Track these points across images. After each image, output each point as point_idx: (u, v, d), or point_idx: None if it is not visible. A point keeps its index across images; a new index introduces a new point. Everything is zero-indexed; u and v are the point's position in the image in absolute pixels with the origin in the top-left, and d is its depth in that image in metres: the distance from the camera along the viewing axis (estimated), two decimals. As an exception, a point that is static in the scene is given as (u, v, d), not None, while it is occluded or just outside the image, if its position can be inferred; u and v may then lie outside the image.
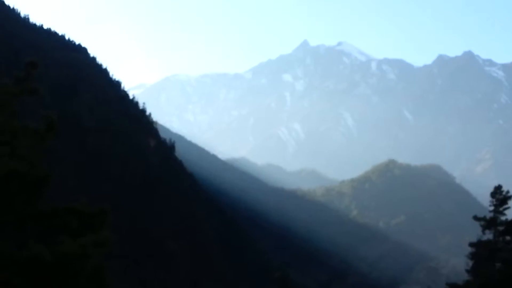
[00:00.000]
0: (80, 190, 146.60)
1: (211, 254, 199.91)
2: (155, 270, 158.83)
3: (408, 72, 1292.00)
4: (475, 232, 65.47)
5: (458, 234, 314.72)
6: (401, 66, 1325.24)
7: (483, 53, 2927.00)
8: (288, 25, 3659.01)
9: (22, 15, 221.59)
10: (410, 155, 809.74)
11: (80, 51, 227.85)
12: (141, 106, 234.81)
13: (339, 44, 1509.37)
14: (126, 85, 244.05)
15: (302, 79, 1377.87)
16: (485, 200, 67.64)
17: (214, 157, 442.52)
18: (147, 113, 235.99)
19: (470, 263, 65.12)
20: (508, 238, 63.36)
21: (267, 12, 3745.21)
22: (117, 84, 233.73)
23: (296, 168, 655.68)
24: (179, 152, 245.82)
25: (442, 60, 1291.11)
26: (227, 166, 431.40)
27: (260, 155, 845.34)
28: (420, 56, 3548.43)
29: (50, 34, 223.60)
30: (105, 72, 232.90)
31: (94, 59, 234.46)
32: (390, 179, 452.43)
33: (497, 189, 65.44)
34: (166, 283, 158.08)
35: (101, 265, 21.99)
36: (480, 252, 63.62)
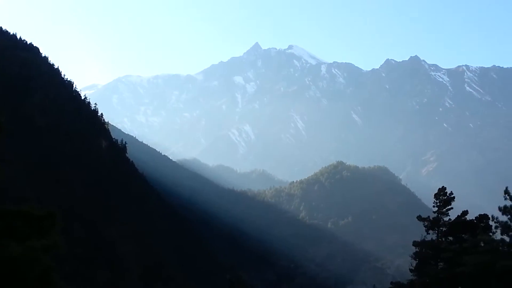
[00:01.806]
0: (31, 190, 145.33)
1: (162, 255, 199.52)
2: (106, 272, 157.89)
3: (356, 76, 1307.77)
4: (419, 232, 67.45)
5: (403, 234, 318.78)
6: (350, 70, 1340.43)
7: (429, 59, 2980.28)
8: (239, 28, 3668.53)
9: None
10: (358, 157, 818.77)
11: (32, 50, 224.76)
12: (93, 106, 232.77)
13: (290, 47, 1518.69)
14: (78, 86, 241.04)
15: (253, 82, 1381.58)
16: (430, 201, 69.56)
17: (165, 158, 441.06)
18: (99, 113, 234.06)
19: (414, 262, 67.11)
20: (450, 238, 65.53)
21: (219, 15, 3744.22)
22: (69, 84, 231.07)
23: (247, 169, 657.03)
24: (131, 153, 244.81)
25: (389, 65, 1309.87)
26: (178, 167, 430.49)
27: (211, 156, 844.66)
28: (369, 61, 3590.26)
29: (1, 33, 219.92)
30: (57, 72, 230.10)
31: (46, 59, 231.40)
32: (338, 181, 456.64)
33: (441, 191, 67.71)
34: (118, 285, 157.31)
35: (51, 268, 21.62)
36: (424, 252, 65.74)
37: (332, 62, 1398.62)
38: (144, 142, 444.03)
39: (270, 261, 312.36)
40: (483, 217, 62.55)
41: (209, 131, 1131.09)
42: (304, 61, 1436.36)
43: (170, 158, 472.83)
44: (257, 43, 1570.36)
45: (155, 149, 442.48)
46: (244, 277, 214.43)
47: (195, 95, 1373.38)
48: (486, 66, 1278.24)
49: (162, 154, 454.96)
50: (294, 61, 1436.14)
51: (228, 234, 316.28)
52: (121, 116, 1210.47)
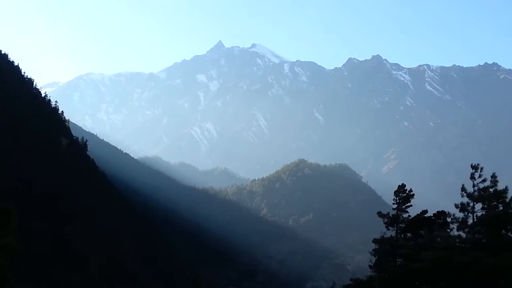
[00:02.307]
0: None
1: (123, 253, 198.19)
2: (65, 270, 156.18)
3: (319, 74, 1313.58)
4: (379, 229, 68.14)
5: (363, 231, 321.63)
6: (313, 68, 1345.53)
7: (390, 58, 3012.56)
8: (202, 26, 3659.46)
9: None
10: (320, 155, 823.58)
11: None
12: (53, 104, 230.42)
13: (253, 46, 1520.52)
14: (39, 83, 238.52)
15: (216, 80, 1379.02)
16: (390, 199, 70.24)
17: (127, 156, 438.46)
18: (60, 111, 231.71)
19: (374, 259, 67.81)
20: (409, 235, 66.37)
21: (182, 13, 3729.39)
22: (29, 82, 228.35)
23: (209, 167, 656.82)
24: (92, 151, 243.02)
25: (352, 64, 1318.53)
26: (140, 165, 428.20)
27: (173, 154, 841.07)
28: (331, 59, 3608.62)
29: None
30: (17, 70, 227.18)
31: (5, 56, 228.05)
32: (300, 178, 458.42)
33: (401, 188, 68.59)
34: (77, 283, 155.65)
35: (5, 267, 21.08)
36: (383, 249, 66.44)
37: (295, 61, 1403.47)
38: (105, 140, 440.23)
39: (231, 259, 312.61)
40: (441, 214, 63.49)
41: (171, 129, 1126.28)
42: (267, 60, 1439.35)
43: (132, 156, 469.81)
44: (220, 41, 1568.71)
45: (116, 147, 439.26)
46: (204, 275, 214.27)
47: (158, 93, 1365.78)
48: (446, 66, 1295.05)
49: (124, 152, 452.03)
50: (257, 59, 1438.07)
51: (189, 231, 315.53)
52: (82, 114, 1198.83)
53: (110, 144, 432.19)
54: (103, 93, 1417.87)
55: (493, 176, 52.00)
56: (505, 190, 51.68)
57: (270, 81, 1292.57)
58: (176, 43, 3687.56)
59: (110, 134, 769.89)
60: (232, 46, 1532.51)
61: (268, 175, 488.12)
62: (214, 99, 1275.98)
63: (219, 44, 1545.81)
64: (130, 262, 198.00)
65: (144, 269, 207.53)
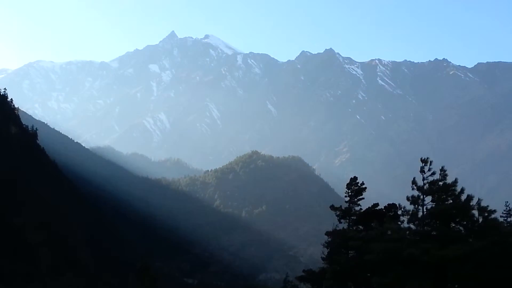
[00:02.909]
0: None
1: (73, 244, 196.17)
2: (15, 261, 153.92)
3: (272, 66, 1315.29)
4: (332, 222, 69.03)
5: (316, 223, 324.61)
6: (266, 60, 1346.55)
7: (343, 52, 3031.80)
8: (156, 16, 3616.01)
9: None
10: (274, 147, 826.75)
11: None
12: (2, 91, 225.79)
13: (206, 37, 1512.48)
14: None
15: (169, 70, 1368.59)
16: (342, 191, 71.02)
17: (78, 145, 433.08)
18: (9, 99, 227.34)
19: (326, 251, 68.68)
20: (360, 227, 67.41)
21: (135, 2, 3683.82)
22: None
23: (161, 158, 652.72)
24: (42, 139, 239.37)
25: (305, 56, 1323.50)
26: (91, 155, 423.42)
27: (125, 144, 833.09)
28: (285, 52, 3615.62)
29: None
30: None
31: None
32: (253, 170, 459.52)
33: (353, 181, 69.53)
34: (27, 275, 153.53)
35: None
36: (335, 241, 67.31)
37: (248, 52, 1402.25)
38: (56, 129, 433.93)
39: (184, 250, 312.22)
40: (391, 207, 64.66)
41: (123, 119, 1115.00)
42: (220, 51, 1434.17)
43: (83, 145, 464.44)
44: (173, 31, 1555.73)
45: (67, 136, 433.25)
46: (157, 265, 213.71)
47: (109, 83, 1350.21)
48: (398, 61, 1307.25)
49: (75, 141, 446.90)
50: (211, 50, 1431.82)
51: (141, 222, 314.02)
52: (32, 102, 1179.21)
53: (60, 133, 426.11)
54: (54, 81, 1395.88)
55: (442, 170, 53.01)
56: (454, 183, 52.80)
57: (223, 72, 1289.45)
58: (128, 32, 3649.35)
59: (60, 123, 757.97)
60: (185, 37, 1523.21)
61: (221, 166, 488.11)
62: (166, 90, 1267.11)
63: (172, 34, 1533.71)
64: (81, 251, 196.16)
65: (96, 259, 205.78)
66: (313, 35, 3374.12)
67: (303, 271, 72.67)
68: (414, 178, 53.63)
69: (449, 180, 53.16)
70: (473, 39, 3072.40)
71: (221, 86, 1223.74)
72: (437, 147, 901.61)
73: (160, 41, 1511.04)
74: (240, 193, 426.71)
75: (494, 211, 52.38)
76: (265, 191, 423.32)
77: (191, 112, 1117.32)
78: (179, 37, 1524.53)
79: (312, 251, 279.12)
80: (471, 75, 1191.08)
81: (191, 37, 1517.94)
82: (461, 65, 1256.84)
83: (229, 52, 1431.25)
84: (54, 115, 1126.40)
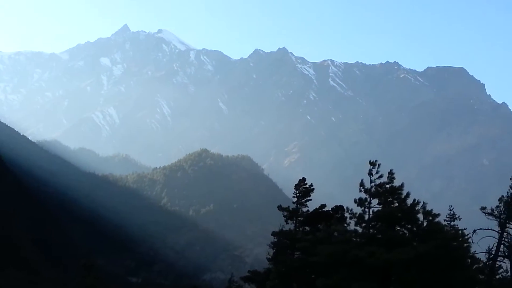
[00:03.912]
0: None
1: (18, 239, 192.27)
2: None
3: (225, 64, 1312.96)
4: (279, 222, 68.61)
5: (264, 223, 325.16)
6: (218, 57, 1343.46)
7: (296, 51, 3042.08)
8: (108, 8, 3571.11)
9: None
10: (224, 146, 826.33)
11: None
12: None
13: (159, 31, 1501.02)
14: None
15: (121, 64, 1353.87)
16: (291, 192, 70.69)
17: (24, 138, 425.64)
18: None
19: (272, 251, 68.23)
20: (307, 228, 67.11)
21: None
22: None
23: (109, 153, 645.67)
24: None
25: (258, 55, 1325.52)
26: (38, 149, 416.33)
27: (73, 138, 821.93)
28: (238, 50, 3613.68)
29: None
30: None
31: None
32: (202, 168, 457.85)
33: (301, 182, 69.22)
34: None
35: None
36: (281, 241, 66.90)
37: (201, 49, 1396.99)
38: (1, 120, 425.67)
39: (129, 248, 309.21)
40: (339, 208, 64.57)
41: (72, 113, 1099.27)
42: (173, 46, 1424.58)
43: (30, 138, 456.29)
44: (126, 25, 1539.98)
45: (13, 129, 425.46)
46: (101, 263, 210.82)
47: (59, 75, 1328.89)
48: (350, 62, 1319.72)
49: (21, 134, 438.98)
50: (163, 45, 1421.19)
51: (87, 219, 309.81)
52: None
53: (6, 125, 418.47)
54: (1, 71, 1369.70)
55: (390, 173, 53.13)
56: (401, 186, 52.96)
57: (175, 68, 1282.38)
58: (80, 24, 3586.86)
59: (7, 115, 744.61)
60: (138, 31, 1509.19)
61: (170, 163, 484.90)
62: (117, 84, 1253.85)
63: (125, 28, 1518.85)
64: (24, 248, 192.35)
65: (39, 255, 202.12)
66: (266, 34, 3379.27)
67: (248, 271, 72.05)
68: (362, 180, 53.60)
69: (397, 183, 53.32)
70: (424, 44, 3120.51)
71: (172, 82, 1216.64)
72: (386, 150, 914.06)
73: (112, 34, 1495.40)
74: (188, 192, 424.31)
75: (438, 214, 52.75)
76: (213, 190, 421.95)
77: (141, 107, 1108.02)
78: (131, 30, 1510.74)
79: (258, 252, 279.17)
80: (421, 79, 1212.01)
81: (144, 31, 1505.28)
82: (411, 68, 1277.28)
83: (182, 48, 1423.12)
84: (0, 106, 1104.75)
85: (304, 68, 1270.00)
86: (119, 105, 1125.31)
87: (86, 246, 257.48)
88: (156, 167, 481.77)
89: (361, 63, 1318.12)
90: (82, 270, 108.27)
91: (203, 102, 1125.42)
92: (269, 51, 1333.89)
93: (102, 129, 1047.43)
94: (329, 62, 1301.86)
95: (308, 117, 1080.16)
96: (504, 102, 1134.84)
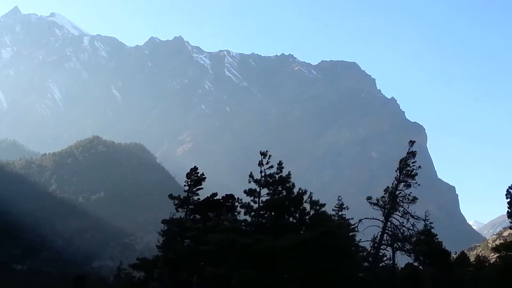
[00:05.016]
0: None
1: None
2: None
3: (120, 51, 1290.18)
4: (171, 210, 69.25)
5: (155, 212, 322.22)
6: (113, 44, 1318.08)
7: (192, 41, 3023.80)
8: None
9: None
10: (116, 132, 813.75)
11: None
12: None
13: (52, 15, 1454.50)
14: None
15: (10, 47, 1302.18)
16: (183, 180, 71.42)
17: None
18: None
19: (162, 239, 68.76)
20: (198, 216, 68.00)
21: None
22: None
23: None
24: None
25: (153, 43, 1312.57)
26: None
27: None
28: (133, 37, 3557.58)
29: None
30: None
31: None
32: (93, 155, 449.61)
33: (193, 171, 70.10)
34: None
35: None
36: (171, 229, 67.53)
37: (95, 34, 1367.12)
38: None
39: (14, 235, 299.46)
40: (229, 197, 65.85)
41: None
42: (66, 31, 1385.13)
43: None
44: (16, 6, 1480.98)
45: None
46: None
47: None
48: (246, 53, 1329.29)
49: None
50: (56, 29, 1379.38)
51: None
52: None
53: None
54: None
55: (279, 164, 54.66)
56: (288, 176, 54.61)
57: (68, 53, 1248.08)
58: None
59: None
60: (30, 13, 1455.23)
61: (60, 150, 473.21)
62: (6, 67, 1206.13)
63: (15, 10, 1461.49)
64: None
65: None
66: (163, 22, 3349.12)
67: (137, 258, 72.21)
68: (251, 172, 54.88)
69: (285, 173, 54.86)
70: (319, 37, 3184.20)
71: (65, 67, 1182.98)
72: (279, 141, 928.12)
73: (2, 16, 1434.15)
74: (78, 178, 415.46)
75: (324, 204, 54.81)
76: (104, 178, 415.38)
77: (31, 92, 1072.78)
78: (22, 13, 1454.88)
79: (149, 239, 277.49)
80: (314, 72, 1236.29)
81: (36, 14, 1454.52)
82: (306, 61, 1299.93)
83: (76, 33, 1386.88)
84: None
85: (200, 57, 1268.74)
86: (7, 89, 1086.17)
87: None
88: (46, 153, 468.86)
89: (257, 54, 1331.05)
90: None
91: (96, 89, 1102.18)
92: (165, 40, 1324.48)
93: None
94: (225, 52, 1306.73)
95: (202, 106, 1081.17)
96: (393, 97, 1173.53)
